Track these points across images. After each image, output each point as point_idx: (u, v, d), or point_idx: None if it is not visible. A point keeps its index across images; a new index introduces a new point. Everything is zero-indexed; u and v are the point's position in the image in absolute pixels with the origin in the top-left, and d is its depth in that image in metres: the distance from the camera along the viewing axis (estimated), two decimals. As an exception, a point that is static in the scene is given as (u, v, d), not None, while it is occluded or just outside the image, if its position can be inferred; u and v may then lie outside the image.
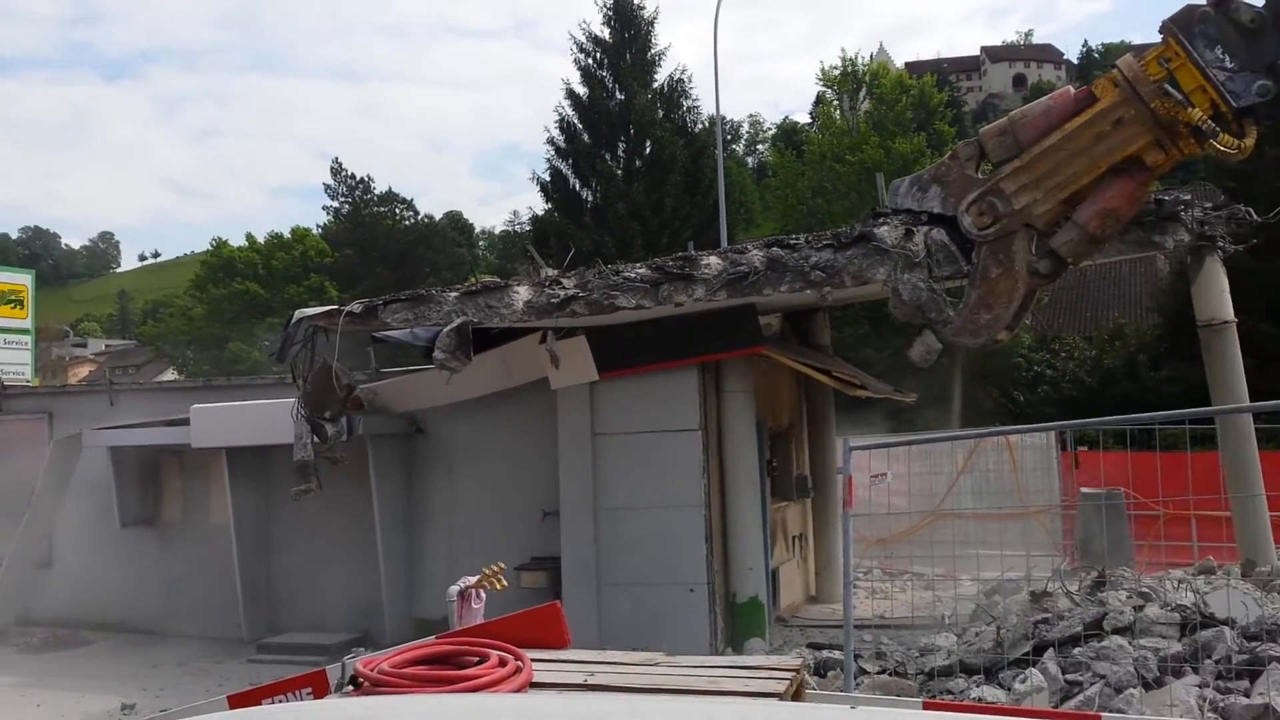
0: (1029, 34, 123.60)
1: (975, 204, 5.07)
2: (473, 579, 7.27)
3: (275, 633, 12.36)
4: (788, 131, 74.92)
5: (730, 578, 10.47)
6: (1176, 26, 4.59)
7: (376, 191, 52.12)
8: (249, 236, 58.09)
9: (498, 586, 7.13)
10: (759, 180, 64.94)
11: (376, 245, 47.45)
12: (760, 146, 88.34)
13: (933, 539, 16.46)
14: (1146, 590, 8.13)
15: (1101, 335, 28.43)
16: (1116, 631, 7.18)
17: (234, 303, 50.55)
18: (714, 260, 9.31)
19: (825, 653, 9.02)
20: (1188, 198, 9.09)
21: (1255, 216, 9.79)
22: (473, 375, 10.30)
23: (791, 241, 9.34)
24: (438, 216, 67.97)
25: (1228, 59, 4.48)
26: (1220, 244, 9.54)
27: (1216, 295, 9.68)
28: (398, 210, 52.60)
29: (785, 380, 13.27)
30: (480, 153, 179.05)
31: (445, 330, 9.23)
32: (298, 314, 10.32)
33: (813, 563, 14.16)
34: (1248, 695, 6.20)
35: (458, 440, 11.89)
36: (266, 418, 11.10)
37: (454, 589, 7.31)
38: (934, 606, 11.26)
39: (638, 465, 10.38)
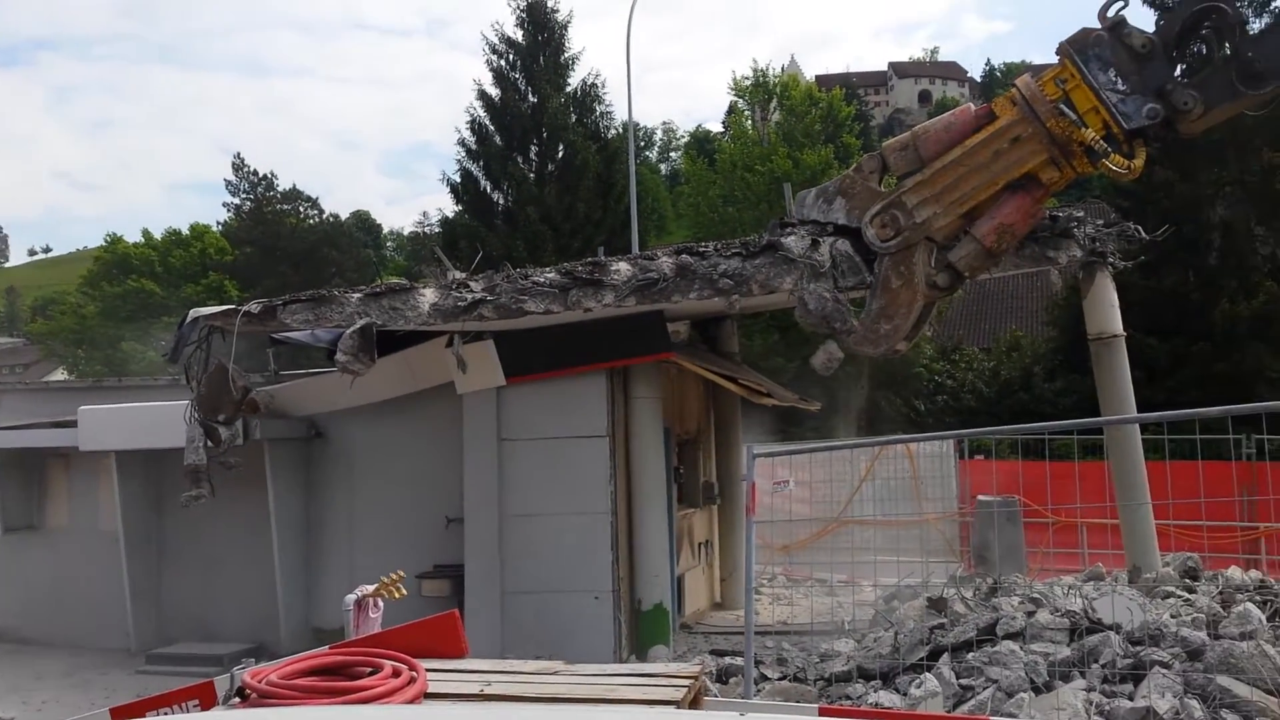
0: (935, 51, 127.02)
1: (879, 216, 5.16)
2: (370, 588, 7.13)
3: (166, 643, 11.95)
4: (701, 140, 75.61)
5: (636, 585, 10.46)
6: (1073, 49, 4.74)
7: (280, 188, 50.95)
8: (145, 233, 56.52)
9: (396, 595, 7.00)
10: (672, 187, 65.32)
11: (279, 244, 46.40)
12: (674, 154, 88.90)
13: (835, 545, 16.72)
14: (1038, 596, 8.36)
15: (999, 347, 29.26)
16: (1009, 637, 7.36)
17: (128, 301, 48.89)
18: (624, 266, 9.31)
19: (728, 659, 9.07)
20: (1080, 215, 9.40)
21: (1144, 234, 10.17)
22: (376, 379, 10.12)
23: (701, 249, 9.40)
24: (344, 216, 66.88)
25: (1120, 82, 4.63)
26: (1111, 260, 9.87)
27: (1106, 310, 10.00)
28: (302, 208, 51.54)
29: (693, 387, 13.34)
30: (389, 152, 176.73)
31: (348, 332, 9.04)
32: (193, 313, 10.00)
33: (718, 569, 14.24)
34: (1132, 699, 6.40)
35: (359, 445, 11.65)
36: (158, 420, 10.75)
37: (350, 598, 7.16)
38: (835, 612, 11.41)
39: (544, 471, 10.31)
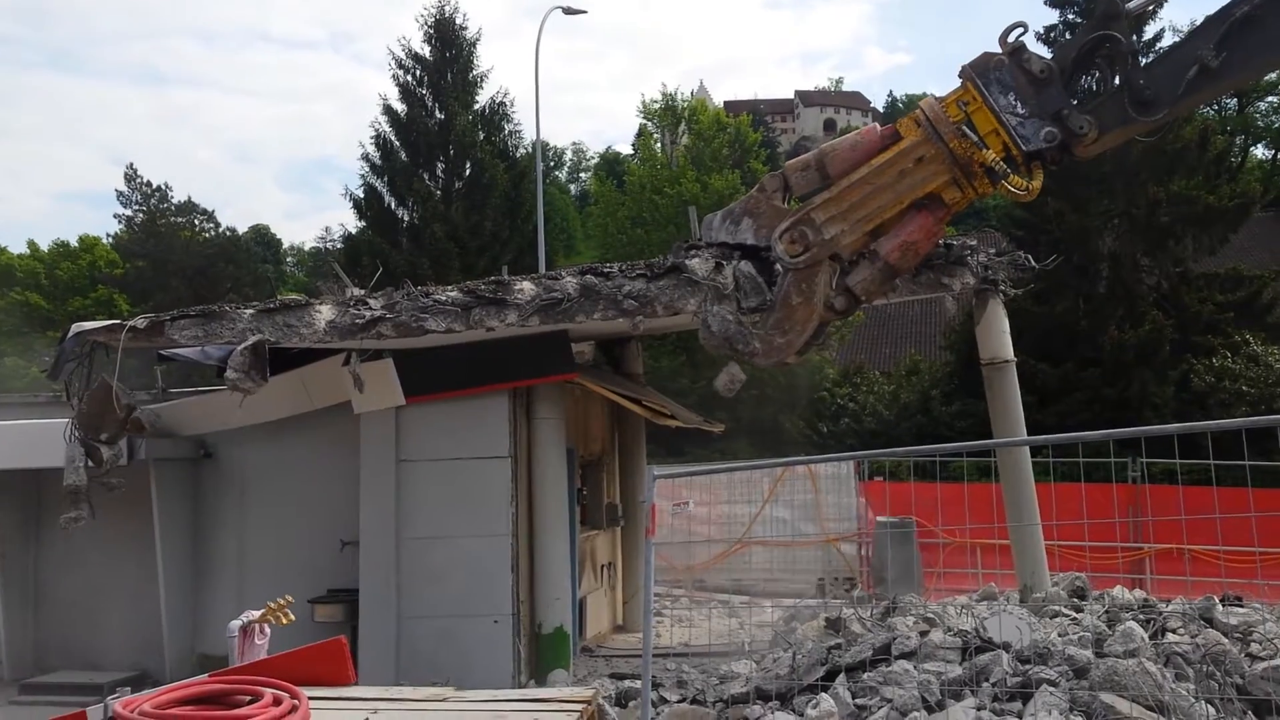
0: (839, 81, 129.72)
1: (788, 232, 5.19)
2: (257, 613, 6.92)
3: (43, 671, 11.39)
4: (610, 161, 75.90)
5: (536, 608, 10.33)
6: (974, 72, 4.87)
7: (175, 200, 49.41)
8: (31, 244, 54.13)
9: (284, 621, 6.80)
10: (581, 208, 65.38)
11: (173, 258, 44.89)
12: (583, 174, 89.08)
13: (739, 566, 16.86)
14: (932, 616, 8.50)
15: (899, 371, 29.90)
16: (903, 656, 7.46)
17: (12, 314, 46.74)
18: (527, 286, 9.24)
19: (627, 682, 9.00)
20: (974, 244, 9.66)
21: (1034, 263, 10.49)
22: (269, 397, 9.83)
23: (605, 270, 9.40)
24: (242, 230, 65.18)
25: (1019, 106, 4.78)
26: (1003, 288, 10.14)
27: (998, 336, 10.27)
28: (197, 221, 49.98)
29: (597, 408, 13.29)
30: (290, 165, 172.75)
31: (238, 349, 8.76)
32: (75, 328, 9.59)
33: (621, 591, 14.17)
34: (1020, 716, 6.53)
35: (251, 466, 11.29)
36: (37, 438, 10.24)
37: (235, 624, 6.95)
38: (736, 634, 11.46)
39: (444, 493, 10.13)
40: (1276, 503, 10.05)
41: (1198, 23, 4.66)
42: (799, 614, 10.44)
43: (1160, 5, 5.49)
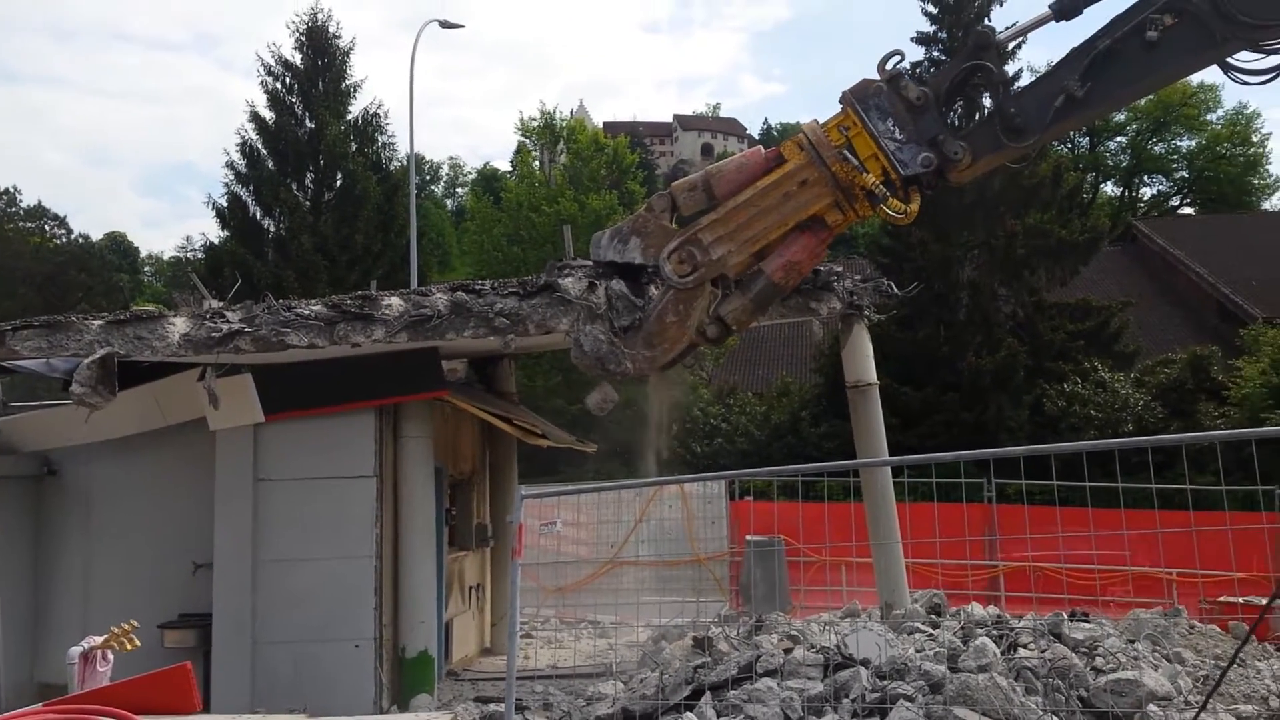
0: (717, 107, 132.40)
1: (676, 252, 5.24)
2: (99, 639, 6.56)
3: None
4: (488, 177, 75.38)
5: (400, 631, 10.08)
6: (855, 98, 5.03)
7: (24, 205, 46.98)
8: None
9: (128, 647, 6.47)
10: (458, 223, 64.68)
11: (20, 265, 42.57)
12: (460, 190, 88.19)
13: (611, 586, 16.82)
14: (796, 634, 8.61)
15: (771, 392, 30.42)
16: (767, 674, 7.52)
17: None
18: (396, 301, 9.06)
19: (492, 706, 8.85)
20: (840, 270, 9.92)
21: (896, 290, 10.82)
22: (118, 413, 9.36)
23: (477, 287, 9.30)
24: (96, 237, 62.32)
25: (897, 131, 4.94)
26: (867, 313, 10.43)
27: (862, 359, 10.54)
28: (48, 226, 47.61)
29: (468, 427, 13.09)
30: (149, 170, 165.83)
31: (85, 362, 8.32)
32: (-98, 337, 8.94)
33: (489, 614, 13.96)
34: (879, 731, 6.66)
35: (98, 484, 10.70)
36: None
37: (75, 650, 6.58)
38: (606, 654, 11.41)
39: (305, 514, 9.81)
40: (1116, 522, 10.58)
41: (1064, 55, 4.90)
42: (668, 633, 10.45)
43: (1025, 35, 5.79)
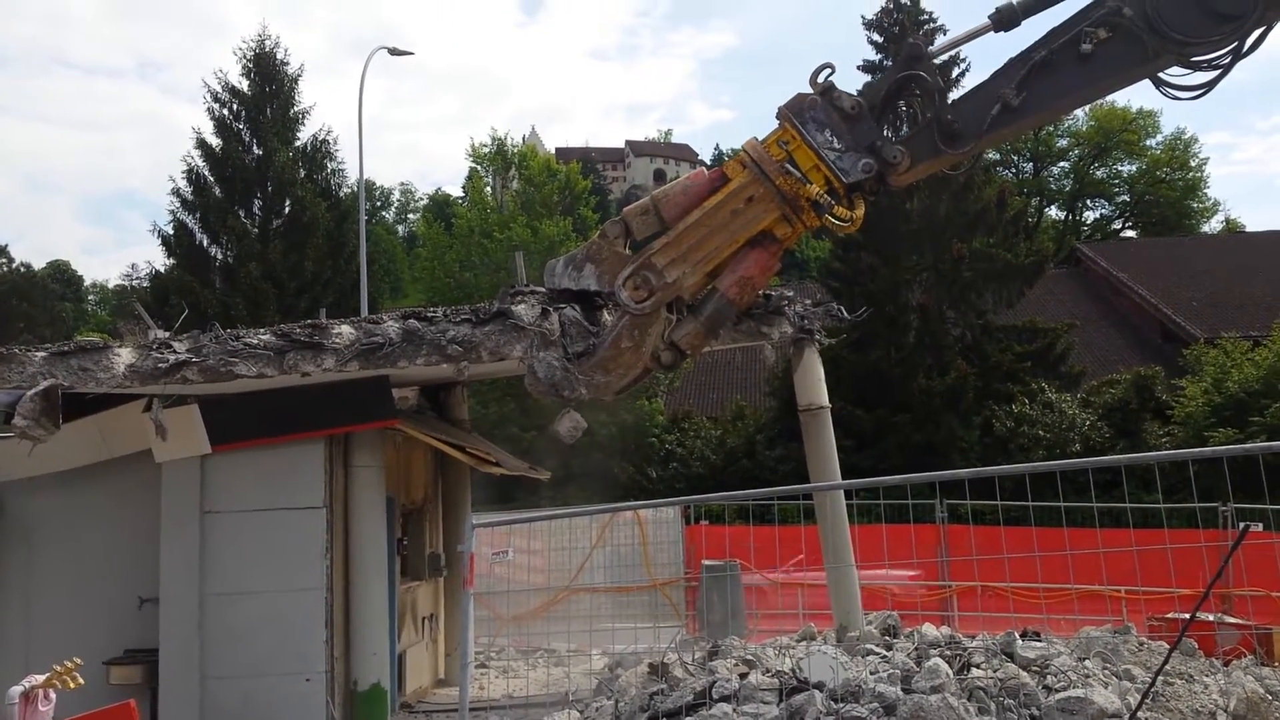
0: (669, 133, 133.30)
1: (630, 278, 5.26)
2: (41, 677, 6.39)
3: None
4: (440, 203, 75.09)
5: (352, 664, 9.93)
6: (790, 112, 5.10)
7: (-39, 233, 46.04)
8: None
9: (71, 685, 6.31)
10: (409, 249, 64.32)
11: (-40, 295, 41.79)
12: (412, 215, 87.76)
13: (567, 614, 16.69)
14: (752, 658, 8.62)
15: (725, 417, 30.52)
16: (723, 699, 7.52)
17: None
18: (346, 330, 8.97)
19: (447, 738, 8.74)
20: (791, 294, 10.01)
21: (846, 314, 10.94)
22: (62, 445, 9.14)
23: (429, 314, 9.23)
24: (38, 265, 61.13)
25: (835, 141, 5.02)
26: (818, 337, 10.53)
27: (814, 383, 10.63)
28: (-13, 256, 46.74)
29: (420, 456, 12.98)
30: (90, 198, 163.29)
31: (28, 394, 8.12)
32: None
33: (443, 644, 13.80)
34: (834, 755, 6.68)
35: (40, 518, 10.42)
36: None
37: (16, 690, 6.40)
38: (562, 683, 11.31)
39: (253, 546, 9.64)
40: (1059, 542, 10.75)
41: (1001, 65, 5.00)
42: (624, 661, 10.39)
43: (961, 47, 5.93)
